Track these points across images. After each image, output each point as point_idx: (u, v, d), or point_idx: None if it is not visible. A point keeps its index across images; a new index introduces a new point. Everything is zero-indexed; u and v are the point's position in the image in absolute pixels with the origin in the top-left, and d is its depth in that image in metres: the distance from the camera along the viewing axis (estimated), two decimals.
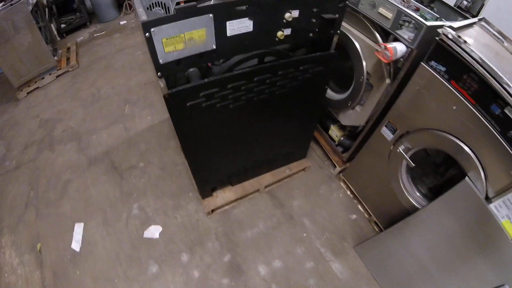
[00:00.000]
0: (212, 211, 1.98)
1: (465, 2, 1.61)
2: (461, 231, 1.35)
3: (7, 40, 2.69)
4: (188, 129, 1.38)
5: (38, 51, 2.90)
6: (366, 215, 2.04)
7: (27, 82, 3.00)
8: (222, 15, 1.07)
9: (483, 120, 1.15)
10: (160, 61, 1.10)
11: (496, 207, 1.23)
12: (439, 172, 1.60)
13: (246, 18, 1.12)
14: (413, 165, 1.51)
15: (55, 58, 3.07)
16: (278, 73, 1.35)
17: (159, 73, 1.13)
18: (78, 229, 2.04)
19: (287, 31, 1.24)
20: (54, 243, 1.99)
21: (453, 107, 1.24)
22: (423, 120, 1.40)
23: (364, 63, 1.63)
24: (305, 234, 1.98)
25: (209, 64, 1.33)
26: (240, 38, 1.16)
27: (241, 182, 1.98)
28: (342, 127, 2.12)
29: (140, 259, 1.88)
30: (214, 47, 1.15)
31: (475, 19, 1.43)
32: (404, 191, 1.65)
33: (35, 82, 3.02)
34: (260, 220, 2.01)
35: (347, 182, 2.11)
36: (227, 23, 1.11)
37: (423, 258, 1.55)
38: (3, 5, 2.67)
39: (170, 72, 1.17)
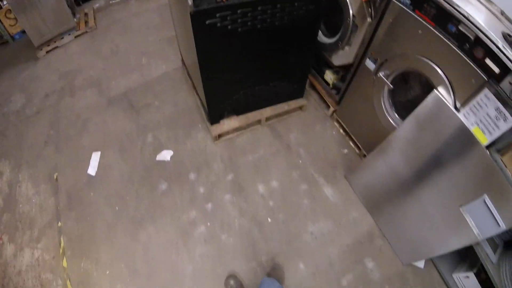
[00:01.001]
0: (219, 137, 2.30)
1: None
2: (437, 143, 1.57)
3: (33, 3, 3.07)
4: (206, 46, 1.70)
5: (60, 13, 3.26)
6: (356, 150, 2.35)
7: (47, 42, 3.34)
8: None
9: (443, 38, 1.45)
10: None
11: (465, 115, 1.46)
12: (415, 95, 1.94)
13: None
14: (392, 87, 1.84)
15: (75, 20, 3.46)
16: (277, 5, 1.67)
17: None
18: (95, 157, 2.33)
19: None
20: (70, 171, 2.26)
21: (419, 32, 1.56)
22: (397, 47, 1.72)
23: (350, 7, 1.97)
24: (300, 161, 2.30)
25: None
26: None
27: (245, 112, 2.30)
28: (336, 72, 2.46)
29: (151, 178, 2.18)
30: None
31: None
32: (386, 114, 1.95)
33: (55, 42, 3.37)
34: (260, 147, 2.34)
35: (340, 121, 2.44)
36: None
37: (404, 174, 1.78)
38: None
39: None
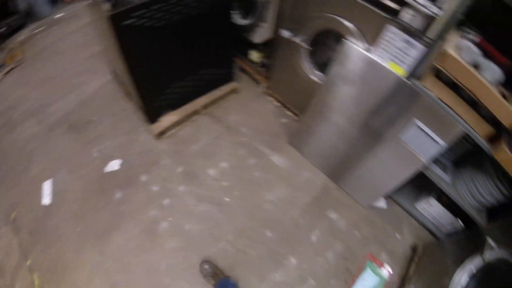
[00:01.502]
0: (161, 134, 2.36)
1: None
2: (361, 86, 1.71)
3: None
4: (129, 48, 1.75)
5: None
6: (294, 117, 2.49)
7: None
8: None
9: None
10: None
11: (378, 54, 1.59)
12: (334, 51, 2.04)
13: None
14: (310, 48, 1.98)
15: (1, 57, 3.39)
16: None
17: None
18: (47, 185, 2.32)
19: None
20: (27, 207, 2.22)
21: None
22: (306, 12, 1.89)
23: None
24: (244, 139, 2.40)
25: None
26: None
27: (181, 106, 2.37)
28: (260, 50, 2.58)
29: (105, 190, 2.20)
30: None
31: None
32: (311, 75, 2.12)
33: None
34: (203, 135, 2.42)
35: (273, 94, 2.58)
36: None
37: (341, 122, 1.92)
38: None
39: None
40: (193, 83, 2.31)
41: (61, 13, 3.87)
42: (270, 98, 2.60)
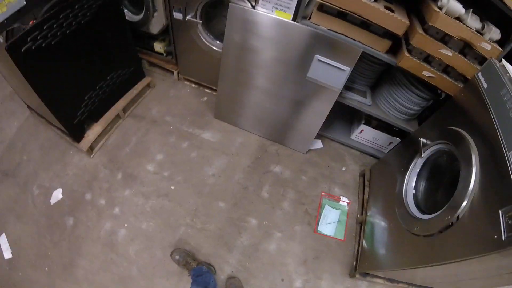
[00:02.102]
0: (91, 149, 2.32)
1: None
2: (260, 41, 1.74)
3: None
4: (33, 73, 1.70)
5: None
6: (213, 93, 2.51)
7: None
8: None
9: None
10: None
11: (262, 7, 1.63)
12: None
13: None
14: (202, 21, 2.01)
15: None
16: (75, 6, 1.72)
17: None
18: (2, 240, 2.25)
19: None
20: None
21: None
22: None
23: None
24: (171, 127, 2.40)
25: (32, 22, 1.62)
26: None
27: (102, 115, 2.33)
28: (162, 40, 2.54)
29: (57, 221, 2.15)
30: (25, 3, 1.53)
31: None
32: (211, 46, 2.15)
33: None
34: (131, 136, 2.38)
35: (187, 78, 2.56)
36: None
37: (253, 82, 1.95)
38: None
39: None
40: (106, 88, 2.27)
41: None
42: (186, 83, 2.59)
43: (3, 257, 2.15)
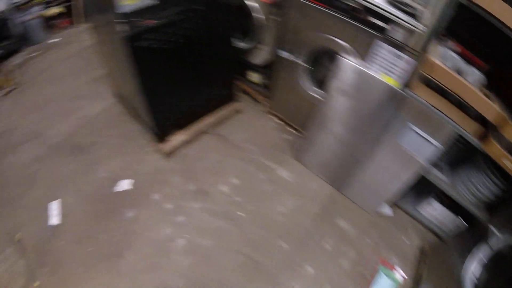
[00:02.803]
0: (170, 153, 2.30)
1: None
2: (358, 97, 1.76)
3: None
4: (141, 68, 1.73)
5: None
6: (296, 133, 2.51)
7: None
8: None
9: (335, 14, 1.68)
10: (120, 10, 1.50)
11: (370, 67, 1.66)
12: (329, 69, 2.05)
13: None
14: (309, 67, 2.02)
15: None
16: (192, 19, 1.78)
17: (120, 20, 1.52)
18: (54, 206, 2.15)
19: None
20: (33, 228, 2.04)
21: (317, 15, 1.78)
22: (303, 33, 1.93)
23: (257, 13, 2.13)
24: (251, 155, 2.38)
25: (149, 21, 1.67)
26: None
27: (188, 125, 2.32)
28: (259, 71, 2.60)
29: (116, 210, 2.07)
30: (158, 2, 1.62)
31: None
32: (310, 92, 2.15)
33: None
34: (211, 153, 2.37)
35: (274, 113, 2.59)
36: None
37: (341, 132, 1.95)
38: None
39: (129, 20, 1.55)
40: (198, 102, 2.29)
41: (55, 39, 3.70)
42: (272, 117, 2.61)
43: (51, 221, 2.07)
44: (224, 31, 2.07)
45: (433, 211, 2.12)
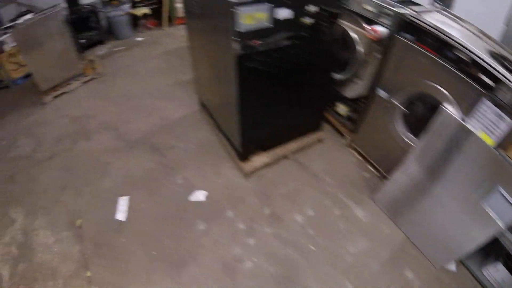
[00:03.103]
0: (249, 174, 2.19)
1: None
2: (450, 149, 1.64)
3: (41, 45, 2.83)
4: (243, 87, 1.68)
5: (68, 58, 3.04)
6: (375, 172, 2.33)
7: (54, 87, 3.09)
8: (276, 5, 1.49)
9: (444, 63, 1.57)
10: (238, 29, 1.46)
11: (471, 123, 1.54)
12: (426, 115, 1.91)
13: (288, 9, 1.55)
14: (407, 111, 1.88)
15: (81, 66, 3.24)
16: (302, 47, 1.74)
17: (235, 38, 1.49)
18: (123, 201, 2.08)
19: (309, 19, 1.67)
20: (96, 217, 1.98)
21: (423, 61, 1.67)
22: (406, 76, 1.82)
23: (358, 46, 2.04)
24: (329, 189, 2.24)
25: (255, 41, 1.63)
26: (286, 21, 1.57)
27: (272, 148, 2.23)
28: (347, 103, 2.49)
29: (188, 219, 1.97)
30: (271, 25, 1.56)
31: (435, 7, 1.93)
32: (401, 135, 2.00)
33: (61, 87, 3.11)
34: (290, 179, 2.25)
35: (357, 148, 2.44)
36: (278, 10, 1.53)
37: (424, 181, 1.81)
38: (36, 14, 2.86)
39: (242, 39, 1.52)
40: (286, 127, 2.20)
41: (140, 38, 3.80)
42: (353, 151, 2.47)
43: (117, 216, 2.00)
44: (325, 61, 2.00)
45: (497, 274, 1.90)
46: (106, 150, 2.45)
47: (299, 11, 1.59)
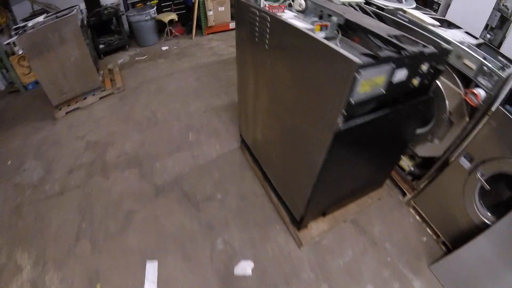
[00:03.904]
0: (304, 242, 1.61)
1: None
2: None
3: (53, 52, 2.10)
4: (331, 159, 1.12)
5: (84, 68, 2.33)
6: (434, 236, 1.82)
7: (67, 101, 2.37)
8: (397, 65, 0.96)
9: None
10: (351, 100, 0.90)
11: None
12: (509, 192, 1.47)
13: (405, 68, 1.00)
14: (489, 188, 1.40)
15: (99, 78, 2.49)
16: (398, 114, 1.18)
17: (344, 111, 0.93)
18: (152, 267, 1.53)
19: (417, 79, 1.15)
20: (120, 284, 1.45)
21: None
22: (499, 149, 1.34)
23: (447, 104, 1.53)
24: (388, 258, 1.69)
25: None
26: (397, 85, 1.04)
27: (332, 212, 1.65)
28: (411, 157, 1.90)
29: None
30: (384, 92, 0.99)
31: None
32: (476, 210, 1.51)
33: (76, 102, 2.40)
34: (348, 247, 1.69)
35: (416, 208, 1.88)
36: (397, 71, 0.98)
37: (497, 266, 1.38)
38: (49, 16, 2.12)
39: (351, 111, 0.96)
40: (353, 189, 1.61)
41: (165, 46, 3.02)
42: (412, 210, 1.91)
43: (145, 286, 1.45)
44: (417, 121, 1.47)
45: None
46: (128, 193, 1.83)
47: (413, 71, 1.06)
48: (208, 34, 3.24)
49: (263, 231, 1.69)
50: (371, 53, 0.98)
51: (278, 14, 1.21)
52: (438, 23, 1.59)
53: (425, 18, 1.56)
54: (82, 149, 2.10)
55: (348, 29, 1.26)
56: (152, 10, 2.87)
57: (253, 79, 1.54)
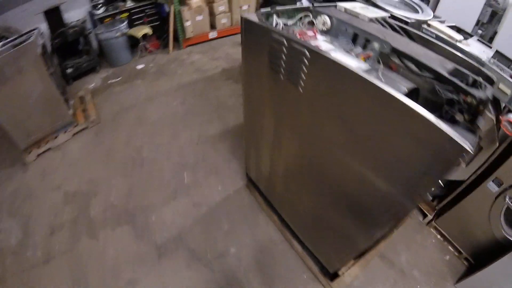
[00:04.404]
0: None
1: None
2: None
3: (8, 85, 1.57)
4: None
5: (50, 103, 1.84)
6: (456, 253, 1.62)
7: (37, 142, 1.85)
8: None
9: None
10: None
11: None
12: None
13: None
14: None
15: (70, 111, 1.95)
16: None
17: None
18: None
19: None
20: None
21: None
22: None
23: (480, 130, 1.28)
24: (418, 287, 1.46)
25: None
26: None
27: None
28: None
29: None
30: None
31: None
32: (503, 231, 1.35)
33: (47, 142, 1.89)
34: (379, 284, 1.42)
35: (438, 228, 1.66)
36: None
37: None
38: (6, 44, 1.56)
39: None
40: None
41: (140, 64, 2.46)
42: (432, 230, 1.68)
43: None
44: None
45: None
46: (125, 257, 1.43)
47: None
48: (186, 46, 2.70)
49: (291, 283, 1.36)
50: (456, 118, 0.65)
51: (312, 43, 0.81)
52: (462, 37, 1.30)
53: (453, 33, 1.27)
54: (61, 203, 1.64)
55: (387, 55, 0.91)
56: (122, 25, 2.29)
57: (272, 122, 1.15)
